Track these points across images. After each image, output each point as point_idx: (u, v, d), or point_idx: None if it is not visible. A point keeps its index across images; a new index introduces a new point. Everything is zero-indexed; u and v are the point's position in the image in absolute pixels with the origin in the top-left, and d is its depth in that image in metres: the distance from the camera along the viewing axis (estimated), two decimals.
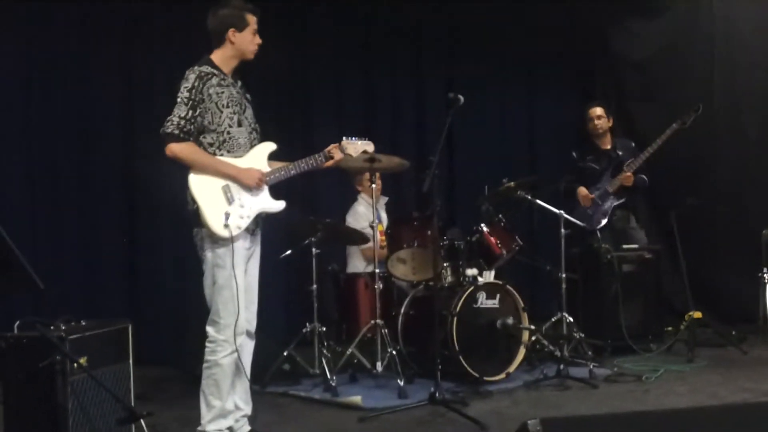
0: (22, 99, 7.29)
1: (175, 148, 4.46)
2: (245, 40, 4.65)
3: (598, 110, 7.83)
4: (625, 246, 7.56)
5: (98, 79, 7.51)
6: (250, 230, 4.62)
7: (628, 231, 7.75)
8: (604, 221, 7.59)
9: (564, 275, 6.78)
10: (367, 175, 6.44)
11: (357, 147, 4.96)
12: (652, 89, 8.90)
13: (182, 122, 4.46)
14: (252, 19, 4.66)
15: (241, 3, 4.68)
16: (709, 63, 8.81)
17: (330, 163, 4.87)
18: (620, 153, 7.69)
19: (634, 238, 7.72)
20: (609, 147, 7.81)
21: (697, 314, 7.21)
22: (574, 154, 7.95)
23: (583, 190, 7.68)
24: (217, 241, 4.48)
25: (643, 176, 7.67)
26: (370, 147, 5.06)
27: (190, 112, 4.47)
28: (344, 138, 4.94)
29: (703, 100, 7.99)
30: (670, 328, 7.56)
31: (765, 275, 7.44)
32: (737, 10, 8.64)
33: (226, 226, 4.45)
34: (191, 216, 4.52)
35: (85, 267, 7.37)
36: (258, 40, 4.70)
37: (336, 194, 7.99)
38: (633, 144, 7.76)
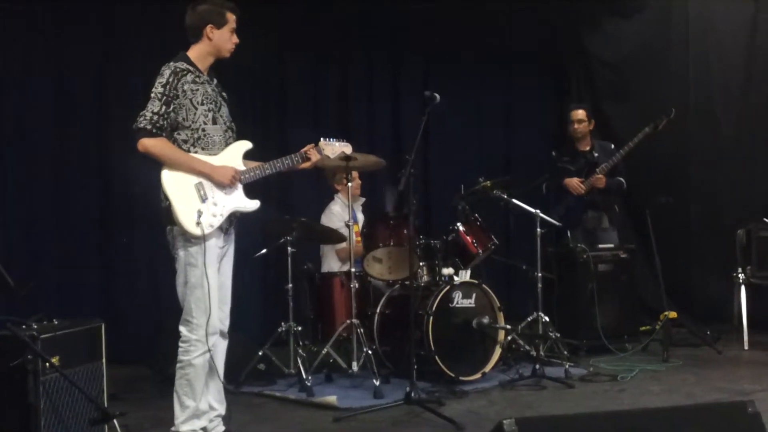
0: None
1: (147, 143, 4.41)
2: (223, 38, 4.61)
3: (580, 113, 7.84)
4: (600, 245, 7.57)
5: (73, 75, 7.43)
6: (223, 229, 4.57)
7: (600, 232, 7.77)
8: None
9: (540, 275, 6.80)
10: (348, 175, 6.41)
11: (335, 149, 4.93)
12: (627, 89, 8.93)
13: (155, 117, 4.41)
14: (231, 18, 4.63)
15: (222, 0, 4.65)
16: (684, 62, 8.84)
17: (306, 164, 4.83)
18: (596, 155, 7.72)
19: (605, 239, 7.72)
20: (587, 149, 7.84)
21: (672, 314, 7.22)
22: (553, 153, 8.00)
23: (572, 181, 7.68)
24: (189, 239, 4.43)
25: (620, 179, 7.72)
26: (348, 149, 5.02)
27: (164, 108, 4.42)
28: (322, 139, 4.90)
29: (677, 100, 8.05)
30: (645, 328, 7.56)
31: (740, 275, 7.46)
32: (712, 9, 8.67)
33: (199, 224, 4.39)
34: (163, 213, 4.47)
35: (58, 265, 7.28)
36: (235, 39, 4.66)
37: (312, 193, 7.96)
38: (612, 146, 7.78)
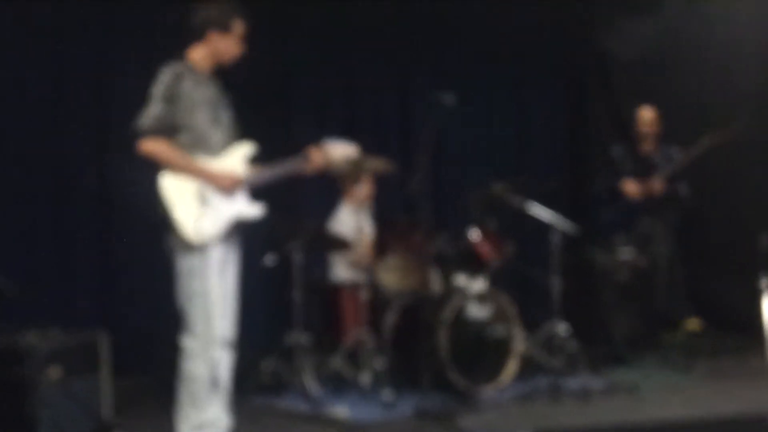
0: None
1: (147, 145, 4.36)
2: (226, 45, 4.57)
3: (649, 113, 7.77)
4: (619, 253, 7.44)
5: (72, 76, 7.33)
6: (225, 236, 4.48)
7: (652, 239, 7.64)
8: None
9: (556, 283, 6.68)
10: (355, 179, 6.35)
11: (339, 150, 4.84)
12: (644, 89, 8.81)
13: (155, 119, 4.35)
14: (238, 26, 4.57)
15: (232, 5, 4.58)
16: (703, 63, 8.72)
17: (311, 166, 4.75)
18: (657, 159, 7.66)
19: (656, 246, 7.59)
20: (650, 152, 7.76)
21: (694, 324, 7.11)
22: (613, 151, 7.95)
23: (629, 183, 7.60)
24: (189, 247, 4.35)
25: (682, 186, 7.62)
26: (353, 150, 4.94)
27: (164, 109, 4.36)
28: (326, 140, 4.81)
29: (697, 101, 7.96)
30: (666, 338, 7.44)
31: (763, 283, 7.32)
32: (732, 8, 8.54)
33: (199, 231, 4.31)
34: (163, 220, 4.38)
35: (59, 272, 7.18)
36: (239, 47, 4.61)
37: (320, 198, 7.82)
38: (676, 152, 7.66)
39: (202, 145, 4.44)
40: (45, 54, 7.23)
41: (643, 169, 7.61)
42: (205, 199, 4.40)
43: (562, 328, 6.65)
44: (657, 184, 7.46)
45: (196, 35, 4.56)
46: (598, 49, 9.43)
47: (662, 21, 8.89)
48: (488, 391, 6.06)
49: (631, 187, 7.58)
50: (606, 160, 7.99)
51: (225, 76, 4.70)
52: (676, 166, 7.48)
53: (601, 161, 8.27)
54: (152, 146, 4.36)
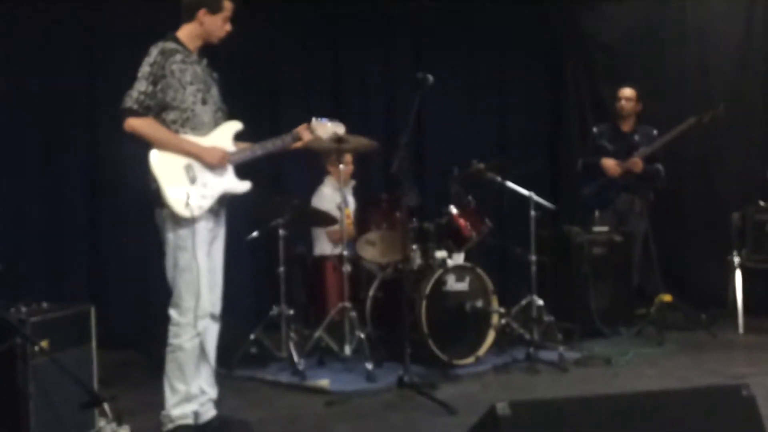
0: None
1: (134, 123, 4.37)
2: (215, 25, 4.57)
3: (628, 91, 7.84)
4: (595, 229, 7.54)
5: (61, 54, 7.33)
6: (213, 211, 4.53)
7: (630, 216, 7.75)
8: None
9: (534, 258, 6.76)
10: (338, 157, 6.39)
11: (327, 129, 4.90)
12: (623, 71, 8.87)
13: (141, 97, 4.36)
14: (228, 6, 4.58)
15: None
16: (681, 45, 8.80)
17: (298, 144, 4.81)
18: (637, 138, 7.73)
19: (634, 223, 7.72)
20: (629, 130, 7.84)
21: (667, 297, 7.21)
22: (594, 129, 8.04)
23: (609, 161, 7.69)
24: (178, 221, 4.39)
25: (658, 167, 7.70)
26: (340, 129, 5.00)
27: (151, 87, 4.37)
28: (314, 119, 4.86)
29: (674, 82, 8.01)
30: (640, 311, 7.55)
31: (735, 258, 7.43)
32: None
33: (188, 206, 4.35)
34: (152, 195, 4.42)
35: (47, 248, 7.21)
36: (228, 27, 4.62)
37: (304, 175, 7.86)
38: (654, 132, 7.74)
39: (190, 123, 4.47)
40: (35, 30, 7.21)
41: (623, 148, 7.69)
42: (194, 175, 4.43)
43: (539, 301, 6.74)
44: (637, 163, 7.55)
45: (187, 13, 4.57)
46: (579, 30, 9.47)
47: (642, 5, 8.96)
48: (467, 363, 6.18)
49: (611, 165, 7.67)
50: (586, 138, 8.06)
51: (212, 56, 4.73)
52: (657, 145, 7.56)
53: (581, 140, 8.32)
54: (138, 124, 4.37)
